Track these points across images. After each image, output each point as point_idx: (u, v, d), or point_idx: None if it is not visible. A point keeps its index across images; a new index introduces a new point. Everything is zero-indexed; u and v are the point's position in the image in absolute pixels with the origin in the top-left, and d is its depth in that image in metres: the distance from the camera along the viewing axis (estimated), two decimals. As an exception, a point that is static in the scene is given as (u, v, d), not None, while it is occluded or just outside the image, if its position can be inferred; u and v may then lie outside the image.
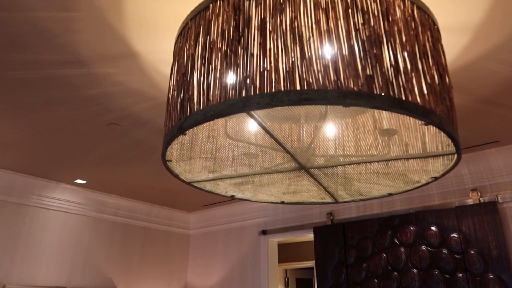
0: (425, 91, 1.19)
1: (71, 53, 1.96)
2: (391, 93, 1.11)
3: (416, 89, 1.16)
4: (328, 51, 1.13)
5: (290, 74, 1.10)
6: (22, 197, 3.85)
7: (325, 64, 1.11)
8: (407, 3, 1.30)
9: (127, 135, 2.92)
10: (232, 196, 2.00)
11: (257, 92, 1.11)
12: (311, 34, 1.15)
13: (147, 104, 2.46)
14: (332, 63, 1.11)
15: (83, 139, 2.98)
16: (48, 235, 4.00)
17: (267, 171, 1.66)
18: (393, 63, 1.16)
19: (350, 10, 1.20)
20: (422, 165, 1.57)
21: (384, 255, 3.39)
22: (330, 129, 1.52)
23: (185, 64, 1.37)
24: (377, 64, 1.13)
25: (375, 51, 1.16)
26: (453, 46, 1.89)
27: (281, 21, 1.19)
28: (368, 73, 1.11)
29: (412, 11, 1.31)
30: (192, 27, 1.41)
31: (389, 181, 1.73)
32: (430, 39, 1.33)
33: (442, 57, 1.39)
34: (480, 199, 3.16)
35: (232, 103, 1.14)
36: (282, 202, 2.10)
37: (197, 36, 1.36)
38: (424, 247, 3.21)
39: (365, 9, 1.21)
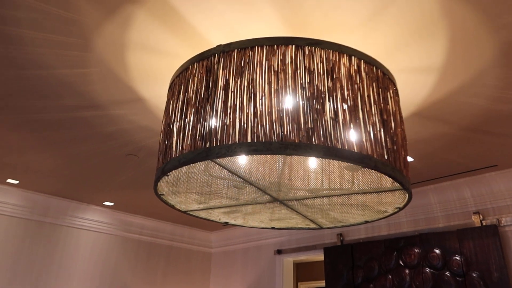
0: (363, 139, 1.39)
1: (88, 99, 2.29)
2: (329, 142, 1.32)
3: (353, 137, 1.36)
4: (276, 108, 1.36)
5: (243, 128, 1.34)
6: (57, 218, 4.27)
7: (273, 119, 1.34)
8: (354, 60, 1.51)
9: (144, 163, 3.25)
10: (226, 223, 2.24)
11: (218, 144, 1.36)
12: (263, 94, 1.39)
13: (157, 138, 2.77)
14: (278, 119, 1.34)
15: (107, 167, 3.33)
16: (79, 253, 4.38)
17: (247, 202, 1.89)
18: (332, 116, 1.37)
19: (298, 71, 1.42)
20: (380, 198, 1.74)
21: (390, 276, 3.48)
22: (299, 166, 1.73)
23: (170, 115, 1.64)
24: (318, 118, 1.35)
25: (317, 106, 1.37)
26: (423, 84, 2.06)
27: (241, 82, 1.44)
28: (309, 126, 1.33)
29: (359, 66, 1.51)
30: (177, 84, 1.68)
31: (359, 211, 1.91)
32: (376, 89, 1.52)
33: (390, 103, 1.58)
34: (483, 222, 3.21)
35: (198, 152, 1.39)
36: (273, 228, 2.31)
37: (179, 92, 1.63)
38: (427, 269, 3.28)
39: (312, 69, 1.43)
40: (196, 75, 1.57)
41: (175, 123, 1.57)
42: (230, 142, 1.34)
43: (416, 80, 2.03)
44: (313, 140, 1.31)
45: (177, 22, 1.70)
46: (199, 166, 1.64)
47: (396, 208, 1.81)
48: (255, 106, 1.37)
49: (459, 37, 1.71)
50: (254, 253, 5.07)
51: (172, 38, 1.79)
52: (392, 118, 1.55)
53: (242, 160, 1.71)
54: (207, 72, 1.54)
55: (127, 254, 4.79)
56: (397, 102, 1.67)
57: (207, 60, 1.56)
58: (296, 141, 1.30)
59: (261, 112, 1.36)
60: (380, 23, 1.66)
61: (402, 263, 3.45)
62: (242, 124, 1.35)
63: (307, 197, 1.80)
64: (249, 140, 1.32)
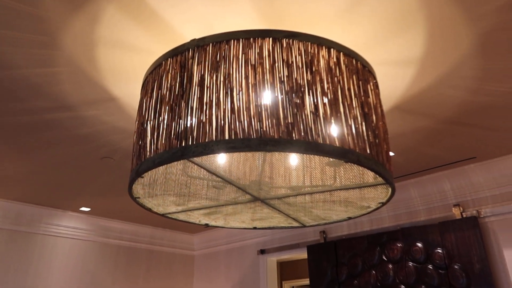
0: (345, 133, 1.35)
1: (59, 100, 2.18)
2: (309, 137, 1.27)
3: (334, 132, 1.32)
4: (254, 103, 1.30)
5: (220, 125, 1.28)
6: (31, 226, 4.10)
7: (251, 115, 1.28)
8: (333, 52, 1.47)
9: (120, 166, 3.14)
10: (206, 224, 2.17)
11: (194, 142, 1.30)
12: (240, 89, 1.33)
13: (132, 139, 2.67)
14: (256, 114, 1.28)
15: (82, 171, 3.21)
16: (56, 261, 4.22)
17: (227, 202, 1.83)
18: (313, 110, 1.32)
19: (276, 65, 1.37)
20: (363, 194, 1.71)
21: (374, 271, 3.47)
22: (280, 164, 1.68)
23: (143, 114, 1.57)
24: (298, 112, 1.30)
25: (296, 100, 1.32)
26: (402, 77, 2.04)
27: (217, 77, 1.38)
28: (289, 121, 1.28)
29: (338, 58, 1.47)
30: (150, 81, 1.60)
31: (342, 207, 1.87)
32: (356, 82, 1.49)
33: (371, 96, 1.54)
34: (463, 214, 3.24)
35: (173, 151, 1.32)
36: (255, 228, 2.25)
37: (152, 90, 1.56)
38: (410, 263, 3.29)
39: (290, 62, 1.38)
40: (170, 71, 1.50)
41: (148, 122, 1.49)
42: (206, 140, 1.28)
43: (396, 73, 2.01)
44: (294, 135, 1.26)
45: (148, 17, 1.62)
46: (176, 166, 1.57)
47: (379, 203, 1.79)
48: (232, 102, 1.31)
49: (437, 28, 1.69)
50: (237, 254, 5.01)
51: (144, 34, 1.71)
52: (373, 111, 1.52)
53: (221, 159, 1.65)
54: (181, 68, 1.47)
55: (106, 260, 4.65)
56: (377, 95, 1.64)
57: (181, 56, 1.49)
58: (275, 137, 1.25)
59: (239, 107, 1.30)
60: (358, 15, 1.62)
61: (385, 258, 3.45)
62: (219, 121, 1.29)
63: (288, 195, 1.75)
64: (226, 137, 1.26)
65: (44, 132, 2.53)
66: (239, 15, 1.62)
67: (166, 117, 1.42)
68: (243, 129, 1.26)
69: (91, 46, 1.77)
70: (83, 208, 4.26)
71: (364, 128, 1.42)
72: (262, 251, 4.67)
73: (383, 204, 1.77)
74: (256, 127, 1.26)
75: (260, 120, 1.27)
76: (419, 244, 3.29)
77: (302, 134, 1.27)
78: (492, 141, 2.82)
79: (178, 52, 1.50)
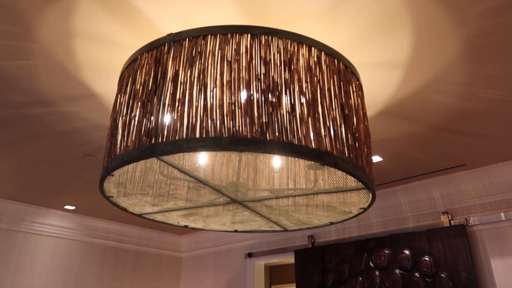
0: (322, 134, 1.30)
1: (36, 95, 2.12)
2: (284, 138, 1.22)
3: (311, 132, 1.27)
4: (228, 101, 1.25)
5: (192, 123, 1.22)
6: (13, 223, 4.02)
7: (224, 113, 1.23)
8: (314, 51, 1.42)
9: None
10: (186, 226, 2.11)
11: (164, 140, 1.24)
12: (214, 85, 1.28)
13: (116, 137, 2.61)
14: (230, 112, 1.23)
15: (65, 169, 3.14)
16: (38, 260, 4.13)
17: (204, 204, 1.77)
18: (289, 110, 1.27)
19: (253, 62, 1.32)
20: (344, 199, 1.66)
21: (360, 278, 3.42)
22: (257, 165, 1.63)
23: (116, 110, 1.51)
24: (273, 112, 1.25)
25: (273, 99, 1.27)
26: (389, 81, 2.00)
27: (191, 73, 1.32)
28: (263, 120, 1.23)
29: (319, 58, 1.42)
30: (125, 76, 1.55)
31: (324, 212, 1.82)
32: (337, 82, 1.44)
33: (353, 98, 1.49)
34: (451, 221, 3.19)
35: (142, 149, 1.26)
36: (236, 231, 2.19)
37: (126, 85, 1.50)
38: (397, 270, 3.24)
39: (268, 59, 1.33)
40: (145, 66, 1.44)
41: (120, 118, 1.44)
42: (177, 138, 1.22)
43: (382, 76, 1.96)
44: (268, 135, 1.21)
45: (126, 10, 1.57)
46: (149, 164, 1.52)
47: (361, 208, 1.73)
48: (205, 99, 1.26)
49: (423, 31, 1.65)
50: (225, 256, 4.94)
51: (122, 28, 1.65)
52: (354, 113, 1.47)
53: (201, 159, 1.60)
54: (156, 63, 1.41)
55: (91, 260, 4.57)
56: (360, 97, 1.59)
57: (156, 50, 1.44)
58: (248, 137, 1.20)
59: (212, 105, 1.25)
60: (342, 14, 1.58)
61: (372, 265, 3.40)
62: (191, 119, 1.24)
63: (266, 197, 1.70)
64: (197, 135, 1.21)
65: (22, 127, 2.46)
66: (220, 11, 1.57)
67: (137, 113, 1.36)
68: (215, 128, 1.21)
69: (67, 39, 1.71)
70: (67, 207, 4.18)
71: (343, 130, 1.37)
72: (250, 255, 4.61)
73: (365, 209, 1.72)
74: (228, 126, 1.21)
75: (233, 119, 1.22)
76: (407, 251, 3.24)
77: (277, 134, 1.22)
78: (481, 149, 2.78)
79: (153, 47, 1.44)
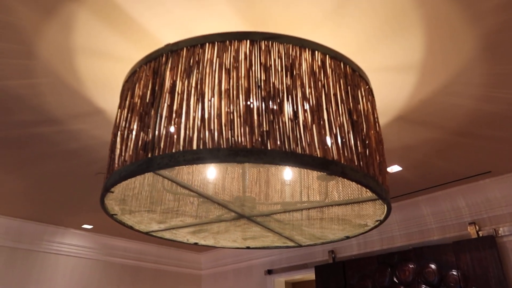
0: (328, 141, 1.21)
1: (43, 114, 2.12)
2: (286, 147, 1.14)
3: (316, 140, 1.19)
4: (226, 110, 1.18)
5: (189, 134, 1.16)
6: (32, 243, 4.03)
7: (221, 123, 1.16)
8: (317, 55, 1.34)
9: (117, 182, 3.05)
10: (196, 243, 2.03)
11: (160, 153, 1.18)
12: (212, 95, 1.22)
13: (126, 154, 2.58)
14: (228, 122, 1.16)
15: (78, 188, 3.13)
16: (57, 280, 4.12)
17: (212, 220, 1.70)
18: (291, 117, 1.19)
19: (253, 69, 1.25)
20: (358, 211, 1.55)
21: (384, 294, 3.25)
22: (264, 177, 1.55)
23: (116, 125, 1.47)
24: (275, 120, 1.17)
25: (274, 106, 1.20)
26: (402, 85, 1.90)
27: (188, 83, 1.27)
28: (264, 129, 1.16)
29: (323, 61, 1.35)
30: (125, 90, 1.51)
31: (338, 226, 1.72)
32: (344, 87, 1.35)
33: (362, 103, 1.41)
34: (479, 232, 3.01)
35: (139, 164, 1.20)
36: (248, 247, 2.11)
37: (126, 99, 1.46)
38: (423, 286, 3.06)
39: (268, 65, 1.26)
40: (143, 79, 1.40)
41: (119, 132, 1.39)
42: (174, 151, 1.16)
43: (394, 80, 1.86)
44: (269, 144, 1.13)
45: (124, 22, 1.54)
46: (151, 180, 1.46)
47: (377, 221, 1.62)
48: (203, 109, 1.20)
49: (434, 30, 1.55)
50: (245, 273, 4.82)
51: (122, 40, 1.63)
52: (363, 119, 1.38)
53: (203, 172, 1.53)
54: (154, 75, 1.37)
55: (110, 280, 4.54)
56: (370, 101, 1.50)
57: (154, 62, 1.40)
58: (248, 147, 1.12)
59: (210, 115, 1.18)
60: (346, 17, 1.50)
61: (396, 280, 3.23)
62: (188, 130, 1.18)
63: (275, 212, 1.61)
64: (194, 147, 1.14)
65: (32, 146, 2.46)
66: (219, 18, 1.52)
67: (135, 126, 1.31)
68: (213, 139, 1.14)
69: (68, 55, 1.70)
70: (85, 226, 4.18)
71: (352, 137, 1.28)
72: (270, 271, 4.48)
73: (381, 222, 1.61)
74: (227, 136, 1.14)
75: (231, 129, 1.15)
76: (432, 266, 3.07)
77: (279, 143, 1.14)
78: (507, 154, 2.62)
79: (152, 58, 1.40)
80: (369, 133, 1.37)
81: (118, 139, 1.38)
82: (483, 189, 3.05)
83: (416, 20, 1.51)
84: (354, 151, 1.26)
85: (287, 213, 1.65)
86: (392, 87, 1.91)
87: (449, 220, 3.24)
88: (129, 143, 1.31)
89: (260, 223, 1.71)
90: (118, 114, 1.49)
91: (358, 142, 1.30)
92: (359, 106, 1.39)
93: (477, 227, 3.03)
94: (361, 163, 1.26)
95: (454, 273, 2.93)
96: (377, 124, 1.51)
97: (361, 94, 1.43)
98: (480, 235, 2.99)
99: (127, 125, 1.36)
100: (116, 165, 1.32)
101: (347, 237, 1.86)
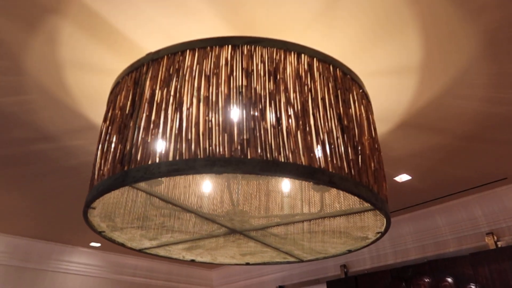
0: (315, 148, 1.13)
1: (38, 131, 2.10)
2: (268, 155, 1.06)
3: (300, 147, 1.11)
4: (204, 118, 1.12)
5: (165, 145, 1.10)
6: (40, 262, 4.01)
7: (199, 132, 1.10)
8: (304, 58, 1.28)
9: (119, 199, 3.01)
10: (192, 260, 1.96)
11: (136, 166, 1.12)
12: (190, 103, 1.16)
13: (125, 169, 2.54)
14: (206, 131, 1.10)
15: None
16: (66, 299, 4.08)
17: (204, 236, 1.62)
18: (274, 123, 1.12)
19: (234, 74, 1.19)
20: (355, 222, 1.45)
21: (399, 311, 3.09)
22: (252, 188, 1.47)
23: (99, 138, 1.42)
24: (256, 127, 1.10)
25: (255, 113, 1.13)
26: (402, 88, 1.81)
27: (167, 91, 1.21)
28: (244, 137, 1.09)
29: (310, 65, 1.28)
30: (108, 102, 1.47)
31: (337, 239, 1.62)
32: (333, 91, 1.28)
33: (354, 107, 1.32)
34: (498, 243, 2.84)
35: (115, 178, 1.14)
36: (247, 264, 2.02)
37: (108, 111, 1.41)
38: (440, 301, 2.89)
39: (250, 70, 1.20)
40: (124, 89, 1.36)
41: (100, 146, 1.34)
42: (150, 163, 1.10)
43: (393, 84, 1.78)
44: (249, 153, 1.06)
45: (109, 34, 1.50)
46: (131, 194, 1.40)
47: (377, 233, 1.52)
48: (181, 118, 1.14)
49: (430, 28, 1.47)
50: (255, 290, 4.70)
51: (108, 52, 1.59)
52: (355, 124, 1.29)
53: (206, 187, 1.47)
54: (135, 85, 1.32)
55: (119, 298, 4.48)
56: (365, 106, 1.41)
57: (136, 72, 1.35)
58: (226, 156, 1.05)
59: (188, 124, 1.12)
60: (336, 19, 1.43)
61: (411, 296, 3.07)
62: (165, 140, 1.12)
63: (268, 225, 1.52)
64: (171, 158, 1.08)
65: (30, 164, 2.44)
66: (203, 25, 1.47)
67: (114, 139, 1.26)
68: (189, 149, 1.08)
69: (56, 69, 1.67)
70: (93, 244, 4.15)
71: (341, 143, 1.20)
72: (281, 287, 4.34)
73: (382, 234, 1.50)
74: (204, 146, 1.07)
75: (210, 138, 1.09)
76: (449, 279, 2.90)
77: (259, 151, 1.07)
78: (523, 158, 2.48)
79: (134, 68, 1.36)
80: (361, 139, 1.28)
81: (99, 153, 1.33)
82: (500, 196, 2.90)
83: (409, 19, 1.43)
84: (344, 158, 1.18)
85: (282, 226, 1.56)
86: (391, 92, 1.82)
87: (466, 230, 3.08)
88: (108, 157, 1.25)
89: (255, 237, 1.63)
90: (102, 127, 1.44)
91: (349, 149, 1.21)
92: (350, 110, 1.30)
93: (495, 237, 2.86)
94: (352, 171, 1.18)
95: (472, 287, 2.76)
96: (372, 130, 1.42)
97: (353, 98, 1.35)
98: (499, 245, 2.82)
99: (107, 138, 1.31)
100: (95, 180, 1.27)
101: (349, 251, 1.75)
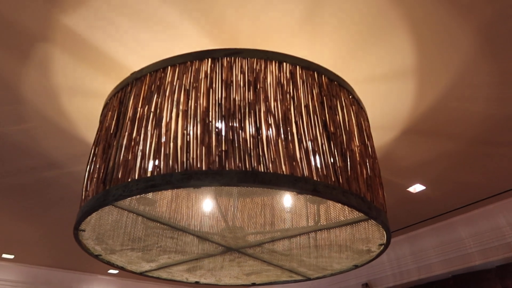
0: (298, 157, 1.09)
1: (43, 158, 2.13)
2: (247, 166, 1.03)
3: (281, 156, 1.07)
4: (182, 132, 1.10)
5: (143, 161, 1.09)
6: (61, 292, 4.03)
7: (177, 146, 1.08)
8: (286, 66, 1.25)
9: (131, 224, 3.00)
10: (197, 282, 1.91)
11: (117, 184, 1.11)
12: (170, 117, 1.15)
13: (132, 193, 2.55)
14: (184, 144, 1.08)
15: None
16: (87, 329, 4.07)
17: (200, 256, 1.58)
18: (253, 133, 1.09)
19: (213, 86, 1.18)
20: (353, 234, 1.38)
21: (426, 330, 2.91)
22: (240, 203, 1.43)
23: (87, 159, 1.42)
24: (235, 138, 1.08)
25: (234, 124, 1.11)
26: (401, 93, 1.75)
27: (148, 108, 1.21)
28: (222, 148, 1.06)
29: (293, 73, 1.25)
30: (99, 124, 1.47)
31: (340, 254, 1.54)
32: (317, 97, 1.24)
33: (341, 114, 1.28)
34: (526, 253, 2.66)
35: (98, 197, 1.13)
36: (253, 284, 1.95)
37: (97, 132, 1.42)
38: (468, 319, 2.71)
39: (229, 82, 1.18)
40: (111, 110, 1.36)
41: (87, 167, 1.34)
42: (129, 180, 1.08)
43: (390, 89, 1.72)
44: (227, 165, 1.03)
45: (97, 57, 1.52)
46: (119, 214, 1.38)
47: (380, 245, 1.44)
48: (160, 133, 1.13)
49: (421, 28, 1.42)
50: (277, 313, 4.55)
51: (99, 75, 1.61)
52: (343, 131, 1.24)
53: (206, 205, 1.45)
54: (120, 105, 1.33)
55: (140, 326, 4.43)
56: (355, 112, 1.36)
57: (121, 92, 1.36)
58: (204, 169, 1.03)
59: (166, 139, 1.11)
60: (321, 25, 1.41)
61: (437, 314, 2.89)
62: (144, 157, 1.10)
63: (262, 242, 1.47)
64: (149, 174, 1.06)
65: (40, 191, 2.48)
66: (187, 41, 1.48)
67: (99, 159, 1.26)
68: (167, 164, 1.06)
69: (53, 96, 1.70)
70: (111, 271, 4.15)
71: (326, 150, 1.15)
72: (303, 310, 4.20)
73: (385, 245, 1.43)
74: (182, 160, 1.05)
75: (188, 151, 1.06)
76: (476, 294, 2.73)
77: (238, 163, 1.04)
78: (544, 161, 2.34)
79: (119, 89, 1.37)
80: (350, 146, 1.23)
81: (86, 174, 1.32)
82: (524, 203, 2.73)
83: (397, 20, 1.39)
84: (330, 166, 1.13)
85: (280, 242, 1.50)
86: (390, 97, 1.76)
87: (491, 241, 2.91)
88: (94, 177, 1.25)
89: (252, 255, 1.57)
90: (91, 149, 1.45)
91: (337, 156, 1.16)
92: (337, 117, 1.26)
93: (522, 248, 2.69)
94: (340, 178, 1.13)
95: (502, 302, 2.58)
96: (365, 136, 1.37)
97: (341, 104, 1.31)
98: (528, 256, 2.65)
99: (94, 159, 1.31)
100: (82, 201, 1.26)
101: (356, 266, 1.67)
